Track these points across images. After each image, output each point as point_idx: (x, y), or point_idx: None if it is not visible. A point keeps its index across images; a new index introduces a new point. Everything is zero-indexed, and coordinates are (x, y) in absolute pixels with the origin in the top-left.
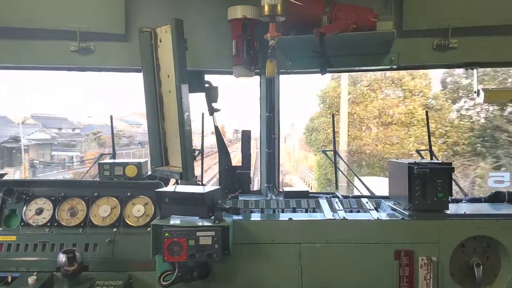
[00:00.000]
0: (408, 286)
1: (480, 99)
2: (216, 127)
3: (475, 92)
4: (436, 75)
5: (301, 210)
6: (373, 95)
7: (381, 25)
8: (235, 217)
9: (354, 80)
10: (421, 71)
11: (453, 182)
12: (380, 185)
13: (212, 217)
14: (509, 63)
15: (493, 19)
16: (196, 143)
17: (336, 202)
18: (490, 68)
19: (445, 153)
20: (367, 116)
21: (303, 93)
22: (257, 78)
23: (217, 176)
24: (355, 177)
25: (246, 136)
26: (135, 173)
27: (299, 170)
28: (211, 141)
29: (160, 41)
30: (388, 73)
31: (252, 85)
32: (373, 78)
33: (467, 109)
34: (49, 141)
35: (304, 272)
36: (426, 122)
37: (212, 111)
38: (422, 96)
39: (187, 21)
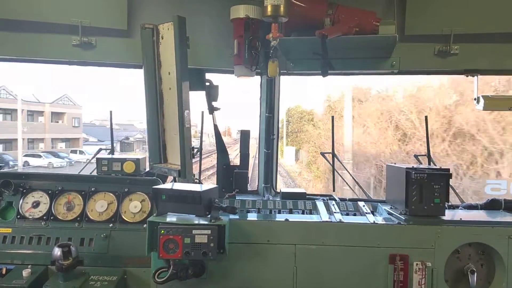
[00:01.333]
0: None
1: (480, 106)
2: (215, 126)
3: (475, 99)
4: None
5: (298, 212)
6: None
7: (383, 29)
8: (232, 216)
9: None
10: None
11: (450, 188)
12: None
13: (209, 216)
14: (511, 71)
15: (495, 27)
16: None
17: (333, 205)
18: None
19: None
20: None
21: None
22: (258, 78)
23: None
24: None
25: (245, 136)
26: (133, 169)
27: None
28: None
29: (162, 38)
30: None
31: (254, 85)
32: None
33: None
34: (142, 139)
35: (299, 274)
36: (425, 128)
37: (212, 109)
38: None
39: (189, 19)
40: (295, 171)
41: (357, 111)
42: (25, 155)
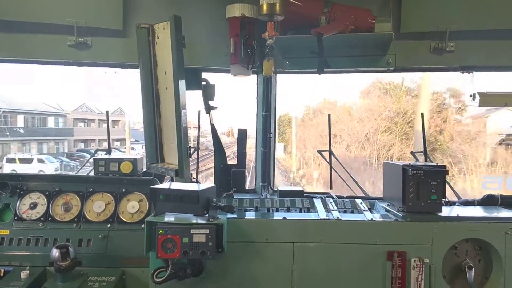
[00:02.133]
0: (400, 287)
1: (476, 103)
2: (212, 125)
3: (470, 96)
4: None
5: (296, 210)
6: None
7: (379, 26)
8: (230, 216)
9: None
10: None
11: (447, 184)
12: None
13: (207, 215)
14: (506, 67)
15: (490, 23)
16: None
17: (331, 202)
18: None
19: None
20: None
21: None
22: (253, 77)
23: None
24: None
25: (241, 135)
26: (130, 169)
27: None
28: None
29: (158, 38)
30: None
31: (252, 84)
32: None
33: None
34: None
35: (297, 272)
36: (422, 125)
37: (208, 109)
38: None
39: (185, 18)
40: (282, 158)
41: (315, 120)
42: (99, 150)
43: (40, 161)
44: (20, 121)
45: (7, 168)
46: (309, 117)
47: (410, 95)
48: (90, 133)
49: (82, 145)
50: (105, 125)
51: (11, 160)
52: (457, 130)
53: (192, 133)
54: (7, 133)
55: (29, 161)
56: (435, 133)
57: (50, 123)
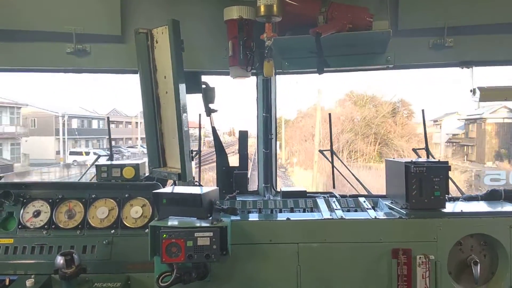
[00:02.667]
0: (406, 284)
1: (476, 98)
2: (213, 128)
3: (471, 91)
4: None
5: (299, 210)
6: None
7: (377, 24)
8: (233, 218)
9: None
10: None
11: (449, 180)
12: None
13: (210, 218)
14: (506, 61)
15: (489, 18)
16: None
17: (334, 202)
18: None
19: None
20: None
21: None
22: (254, 79)
23: None
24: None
25: (243, 136)
26: (132, 174)
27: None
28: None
29: (157, 42)
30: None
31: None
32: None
33: None
34: None
35: (302, 272)
36: (423, 121)
37: (209, 112)
38: None
39: (183, 22)
40: (277, 152)
41: (303, 123)
42: (128, 147)
43: (95, 154)
44: (74, 123)
45: (70, 159)
46: (298, 120)
47: (371, 104)
48: (117, 133)
49: (113, 143)
50: (130, 126)
51: (73, 153)
52: (404, 131)
53: (195, 134)
54: (76, 133)
55: (87, 153)
56: (387, 133)
57: (94, 125)
